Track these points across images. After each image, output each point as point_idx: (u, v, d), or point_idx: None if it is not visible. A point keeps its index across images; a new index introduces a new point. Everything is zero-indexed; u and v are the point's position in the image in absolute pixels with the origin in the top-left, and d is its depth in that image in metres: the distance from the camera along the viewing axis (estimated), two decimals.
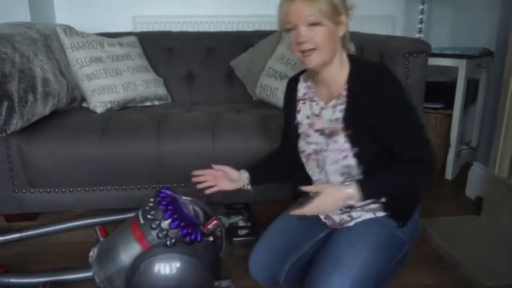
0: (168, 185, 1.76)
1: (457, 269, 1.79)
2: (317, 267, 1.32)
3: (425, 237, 1.98)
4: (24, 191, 1.96)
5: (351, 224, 1.41)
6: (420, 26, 3.04)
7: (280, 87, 2.30)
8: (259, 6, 2.95)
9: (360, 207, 1.39)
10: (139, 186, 2.00)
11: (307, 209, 1.27)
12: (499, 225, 2.03)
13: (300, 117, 1.47)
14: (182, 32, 2.81)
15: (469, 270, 1.75)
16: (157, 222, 1.38)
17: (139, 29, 2.91)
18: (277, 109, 2.26)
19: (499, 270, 1.74)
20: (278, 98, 2.30)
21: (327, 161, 1.37)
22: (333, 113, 1.35)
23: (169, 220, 1.37)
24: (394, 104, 1.27)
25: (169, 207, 1.39)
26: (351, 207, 1.39)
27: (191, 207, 1.52)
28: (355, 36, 1.45)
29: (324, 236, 1.49)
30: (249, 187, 1.57)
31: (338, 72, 1.34)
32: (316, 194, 1.27)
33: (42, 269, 1.76)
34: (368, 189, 1.26)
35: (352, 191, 1.25)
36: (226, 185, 1.54)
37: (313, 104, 1.43)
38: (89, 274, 1.46)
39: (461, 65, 2.59)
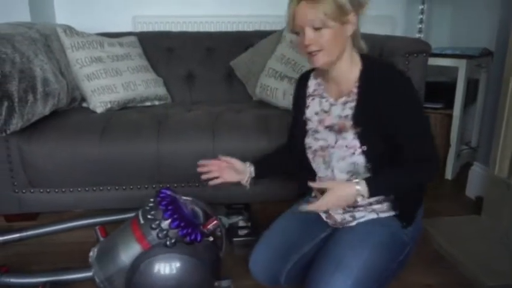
0: (168, 185, 1.76)
1: (458, 269, 1.79)
2: (318, 267, 1.32)
3: (426, 237, 1.97)
4: (24, 191, 1.96)
5: (353, 223, 1.41)
6: (420, 26, 3.04)
7: (280, 87, 2.30)
8: (259, 7, 2.97)
9: (364, 207, 1.39)
10: (139, 186, 2.00)
11: (317, 206, 1.27)
12: (499, 224, 2.03)
13: (308, 113, 1.48)
14: (182, 32, 2.81)
15: (469, 270, 1.75)
16: (157, 222, 1.38)
17: (139, 29, 2.91)
18: (277, 109, 2.26)
19: (499, 269, 1.74)
20: (278, 98, 2.30)
21: (333, 157, 1.38)
22: (343, 109, 1.36)
23: (169, 220, 1.36)
24: (406, 103, 1.28)
25: (169, 207, 1.39)
26: (354, 207, 1.39)
27: (191, 207, 1.52)
28: None
29: (326, 236, 1.49)
30: (247, 183, 1.57)
31: (348, 70, 1.34)
32: (320, 191, 1.27)
33: (43, 269, 1.76)
34: (377, 186, 1.27)
35: (361, 188, 1.25)
36: (230, 177, 1.54)
37: (323, 100, 1.43)
38: (89, 274, 1.45)
39: (461, 65, 2.60)
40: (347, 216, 1.42)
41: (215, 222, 1.44)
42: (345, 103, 1.36)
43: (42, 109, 1.88)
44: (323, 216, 1.51)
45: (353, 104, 1.33)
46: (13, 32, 1.87)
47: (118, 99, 2.25)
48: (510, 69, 1.99)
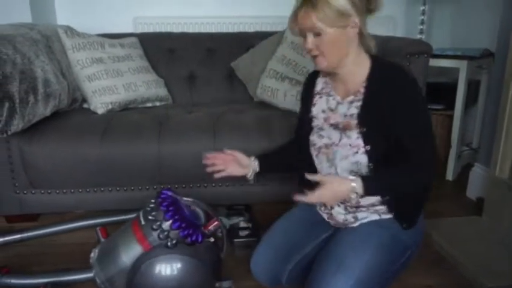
0: (169, 186, 1.76)
1: (458, 270, 1.79)
2: (320, 268, 1.32)
3: (426, 238, 1.97)
4: (25, 191, 1.96)
5: (356, 224, 1.41)
6: (421, 27, 3.04)
7: (281, 88, 2.30)
8: (260, 7, 2.97)
9: (366, 207, 1.39)
10: (140, 187, 2.00)
11: (309, 197, 1.27)
12: (500, 226, 2.03)
13: (315, 110, 1.48)
14: (183, 33, 2.81)
15: (469, 271, 1.74)
16: (158, 223, 1.38)
17: (140, 30, 2.91)
18: (278, 110, 2.26)
19: (499, 270, 1.74)
20: (279, 99, 2.30)
21: (337, 155, 1.38)
22: (349, 108, 1.36)
23: (170, 221, 1.37)
24: (408, 104, 1.28)
25: (170, 208, 1.39)
26: (356, 207, 1.39)
27: (192, 208, 1.52)
28: None
29: (327, 237, 1.49)
30: (252, 177, 1.58)
31: (355, 70, 1.35)
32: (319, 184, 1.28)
33: (44, 269, 1.76)
34: (372, 185, 1.27)
35: (356, 185, 1.25)
36: (235, 170, 1.55)
37: (330, 98, 1.44)
38: (90, 275, 1.46)
39: (462, 66, 2.59)
40: (349, 217, 1.42)
41: (216, 223, 1.45)
42: (351, 102, 1.36)
43: (43, 110, 1.88)
44: (325, 216, 1.51)
45: (359, 103, 1.34)
46: (14, 33, 1.87)
47: (119, 100, 2.25)
48: (511, 70, 1.98)
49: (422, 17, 3.03)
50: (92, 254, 1.49)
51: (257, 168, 1.58)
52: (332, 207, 1.45)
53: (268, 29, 2.83)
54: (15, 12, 2.47)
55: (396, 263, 1.37)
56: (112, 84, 2.26)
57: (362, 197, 1.29)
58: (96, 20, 2.85)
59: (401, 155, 1.29)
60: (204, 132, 1.96)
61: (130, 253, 1.39)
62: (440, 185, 2.69)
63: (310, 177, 1.30)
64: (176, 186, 1.94)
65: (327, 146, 1.41)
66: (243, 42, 2.72)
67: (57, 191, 1.96)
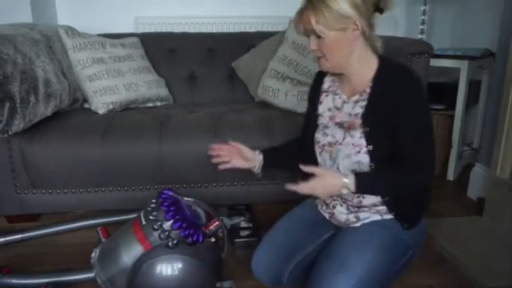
0: (170, 186, 1.76)
1: (459, 270, 1.79)
2: (321, 268, 1.32)
3: (427, 238, 1.97)
4: (26, 191, 1.96)
5: (358, 224, 1.41)
6: (422, 27, 3.04)
7: (282, 88, 2.30)
8: (261, 7, 2.97)
9: (368, 207, 1.39)
10: (141, 187, 2.00)
11: (300, 187, 1.27)
12: (501, 226, 2.03)
13: (321, 108, 1.49)
14: (184, 33, 2.82)
15: (470, 271, 1.74)
16: (159, 223, 1.38)
17: (141, 30, 2.91)
18: (279, 110, 2.26)
19: (500, 270, 1.74)
20: (280, 99, 2.30)
21: (340, 154, 1.38)
22: (354, 107, 1.37)
23: (171, 221, 1.37)
24: (413, 104, 1.28)
25: (171, 208, 1.39)
26: (358, 207, 1.39)
27: (193, 208, 1.52)
28: None
29: (329, 237, 1.49)
30: (259, 171, 1.58)
31: (361, 70, 1.35)
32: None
33: (44, 269, 1.76)
34: (365, 183, 1.27)
35: (348, 181, 1.25)
36: (239, 163, 1.55)
37: (336, 97, 1.44)
38: (91, 275, 1.46)
39: (463, 66, 2.59)
40: (351, 217, 1.42)
41: (217, 223, 1.45)
42: (356, 101, 1.36)
43: (44, 110, 1.88)
44: (327, 216, 1.51)
45: (364, 103, 1.34)
46: (15, 33, 1.87)
47: (119, 100, 2.25)
48: None
49: (423, 17, 3.03)
50: (93, 254, 1.49)
51: (261, 162, 1.58)
52: (334, 207, 1.45)
53: (269, 29, 2.83)
54: (16, 12, 2.47)
55: (398, 263, 1.37)
56: (113, 84, 2.26)
57: (354, 193, 1.29)
58: (97, 20, 2.85)
59: (401, 155, 1.29)
60: (204, 132, 1.96)
61: (131, 253, 1.39)
62: (441, 185, 2.69)
63: (305, 168, 1.30)
64: (177, 186, 1.94)
65: (330, 144, 1.41)
66: (244, 42, 2.72)
67: (58, 191, 1.96)
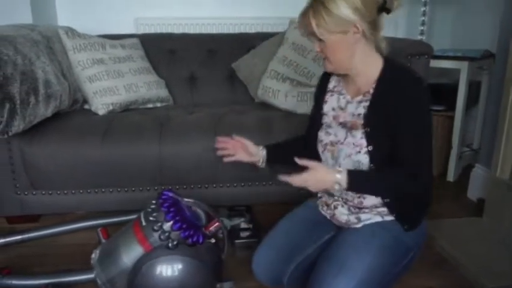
0: (170, 187, 1.76)
1: (459, 271, 1.79)
2: (322, 269, 1.32)
3: (428, 240, 1.96)
4: (26, 192, 1.96)
5: (359, 225, 1.41)
6: (422, 28, 3.04)
7: (282, 89, 2.30)
8: (261, 8, 2.97)
9: (369, 208, 1.39)
10: (141, 188, 2.00)
11: (293, 179, 1.28)
12: (501, 226, 2.03)
13: (326, 107, 1.49)
14: (184, 33, 2.82)
15: (470, 272, 1.74)
16: (159, 224, 1.38)
17: (141, 30, 2.91)
18: (280, 111, 2.26)
19: (500, 271, 1.74)
20: (280, 99, 2.30)
21: (341, 153, 1.38)
22: (357, 108, 1.37)
23: (171, 222, 1.36)
24: (413, 105, 1.27)
25: (171, 209, 1.39)
26: (359, 208, 1.39)
27: (193, 209, 1.52)
28: None
29: (329, 238, 1.49)
30: (263, 165, 1.61)
31: (365, 71, 1.35)
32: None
33: (45, 270, 1.77)
34: (356, 181, 1.27)
35: (340, 177, 1.26)
36: (243, 157, 1.58)
37: (341, 97, 1.45)
38: (91, 276, 1.46)
39: (463, 67, 2.60)
40: (352, 218, 1.41)
41: (217, 224, 1.45)
42: (360, 102, 1.37)
43: (44, 111, 1.88)
44: (328, 216, 1.51)
45: (367, 104, 1.34)
46: (15, 34, 1.87)
47: (119, 101, 2.25)
48: None
49: (423, 18, 3.03)
50: (93, 255, 1.49)
51: (265, 158, 1.61)
52: (335, 207, 1.45)
53: (269, 29, 2.83)
54: (16, 13, 2.47)
55: (399, 264, 1.36)
56: (113, 85, 2.26)
57: (346, 190, 1.29)
58: (97, 21, 2.85)
59: (399, 156, 1.29)
60: (204, 133, 1.96)
61: (131, 254, 1.39)
62: (441, 186, 2.69)
63: (299, 161, 1.31)
64: (177, 187, 1.94)
65: (332, 144, 1.42)
66: (243, 43, 2.72)
67: (58, 192, 1.96)
